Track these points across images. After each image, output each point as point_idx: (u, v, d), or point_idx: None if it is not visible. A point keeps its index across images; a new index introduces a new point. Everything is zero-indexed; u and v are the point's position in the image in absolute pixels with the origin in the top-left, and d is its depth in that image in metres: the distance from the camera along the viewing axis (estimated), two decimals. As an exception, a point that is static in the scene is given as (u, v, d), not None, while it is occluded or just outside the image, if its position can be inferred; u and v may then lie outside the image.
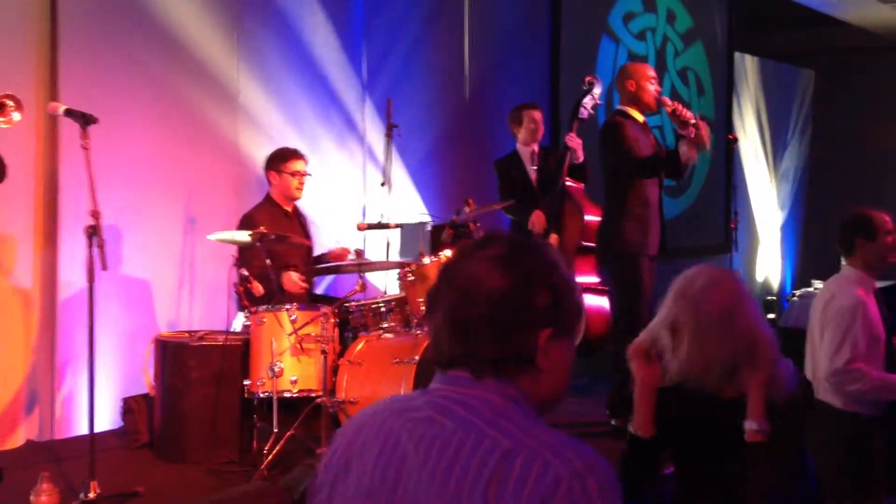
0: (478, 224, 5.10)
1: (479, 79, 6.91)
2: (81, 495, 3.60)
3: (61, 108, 3.73)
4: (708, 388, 2.48)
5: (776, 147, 10.76)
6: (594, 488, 1.32)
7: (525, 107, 5.65)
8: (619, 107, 5.03)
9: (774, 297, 10.18)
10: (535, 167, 5.52)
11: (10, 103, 3.69)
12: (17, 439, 4.59)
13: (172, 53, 5.14)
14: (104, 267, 3.61)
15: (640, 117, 4.94)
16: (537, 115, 5.61)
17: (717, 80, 9.40)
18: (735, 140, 7.53)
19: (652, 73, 5.01)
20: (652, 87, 4.91)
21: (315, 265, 4.98)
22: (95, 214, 3.60)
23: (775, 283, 10.72)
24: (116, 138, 4.71)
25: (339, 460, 1.50)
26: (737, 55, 9.85)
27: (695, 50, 9.08)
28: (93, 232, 3.60)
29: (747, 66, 10.29)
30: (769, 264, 10.64)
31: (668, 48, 8.69)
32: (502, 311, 1.42)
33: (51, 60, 4.67)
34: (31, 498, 3.58)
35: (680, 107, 4.72)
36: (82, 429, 4.54)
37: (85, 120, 3.65)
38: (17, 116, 3.71)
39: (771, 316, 9.27)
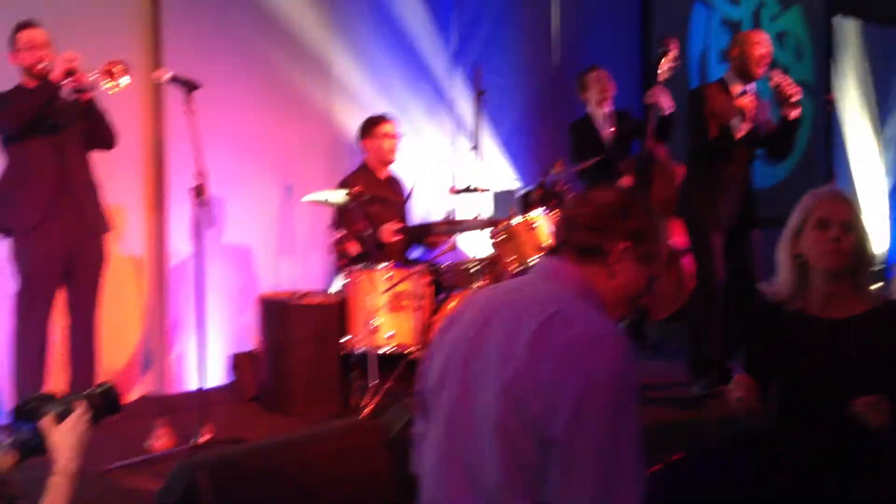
0: (567, 185, 5.16)
1: (568, 44, 6.94)
2: (193, 440, 3.82)
3: (167, 76, 3.95)
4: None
5: (882, 113, 10.41)
6: (596, 358, 1.70)
7: (587, 70, 5.64)
8: (723, 75, 4.72)
9: (881, 267, 9.88)
10: (612, 129, 5.50)
11: (117, 69, 3.92)
12: (134, 395, 4.89)
13: (269, 26, 5.36)
14: (210, 224, 3.82)
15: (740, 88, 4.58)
16: (600, 74, 5.58)
17: (816, 45, 9.17)
18: (832, 102, 7.31)
19: (761, 39, 4.58)
20: (757, 54, 4.49)
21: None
22: (200, 174, 3.81)
23: (880, 252, 10.40)
24: (216, 109, 4.92)
25: (447, 322, 1.97)
26: (838, 18, 9.57)
27: (792, 13, 8.88)
28: (198, 191, 3.81)
29: (849, 30, 9.98)
30: (873, 233, 10.32)
31: (763, 12, 8.52)
32: (601, 215, 1.88)
33: (154, 31, 4.94)
34: (148, 443, 3.86)
35: (786, 82, 4.35)
36: (193, 385, 4.80)
37: (189, 86, 3.86)
38: (125, 80, 3.94)
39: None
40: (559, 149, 6.43)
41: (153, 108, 4.93)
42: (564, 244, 1.91)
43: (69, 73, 3.93)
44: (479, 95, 5.73)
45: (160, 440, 3.87)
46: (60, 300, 4.23)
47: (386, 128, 5.01)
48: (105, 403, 2.13)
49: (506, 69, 6.54)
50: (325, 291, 4.80)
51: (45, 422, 1.99)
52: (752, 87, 4.54)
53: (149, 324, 5.04)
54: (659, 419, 4.19)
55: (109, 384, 2.16)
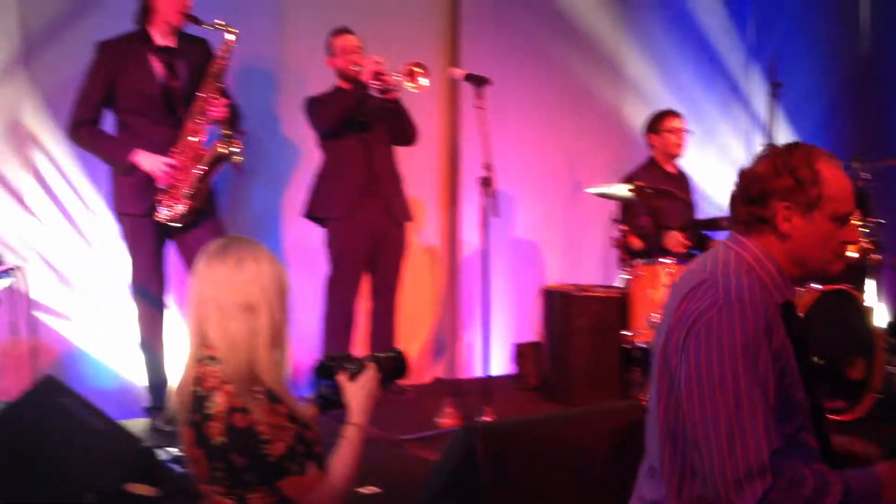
0: (869, 181, 4.81)
1: (879, 32, 6.46)
2: (476, 419, 4.04)
3: (461, 74, 4.20)
4: None
5: None
6: (720, 327, 1.79)
7: None
8: None
9: None
10: None
11: (418, 70, 4.22)
12: (427, 377, 5.23)
13: (562, 27, 5.51)
14: (496, 214, 4.01)
15: None
16: None
17: None
18: None
19: None
20: None
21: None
22: (488, 166, 4.02)
23: None
24: (507, 106, 5.14)
25: None
26: None
27: None
28: (486, 183, 4.02)
29: None
30: None
31: None
32: (750, 185, 1.96)
33: (452, 34, 5.25)
34: (437, 419, 4.16)
35: None
36: (479, 371, 5.05)
37: (479, 82, 4.09)
38: (424, 82, 4.23)
39: None
40: (867, 144, 6.02)
41: (449, 106, 5.26)
42: (732, 221, 2.01)
43: (377, 75, 4.28)
44: (775, 88, 5.49)
45: (447, 418, 4.16)
46: (365, 284, 4.62)
47: (673, 122, 4.97)
48: (393, 367, 2.34)
49: (807, 61, 6.21)
50: (607, 285, 4.84)
51: (341, 378, 2.23)
52: None
53: (442, 311, 5.36)
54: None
55: (399, 350, 2.37)
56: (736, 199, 2.00)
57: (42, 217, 4.43)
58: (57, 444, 2.86)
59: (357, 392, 2.22)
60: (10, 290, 3.20)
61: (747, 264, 1.93)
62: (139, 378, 4.21)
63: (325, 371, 2.27)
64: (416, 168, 4.93)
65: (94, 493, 2.77)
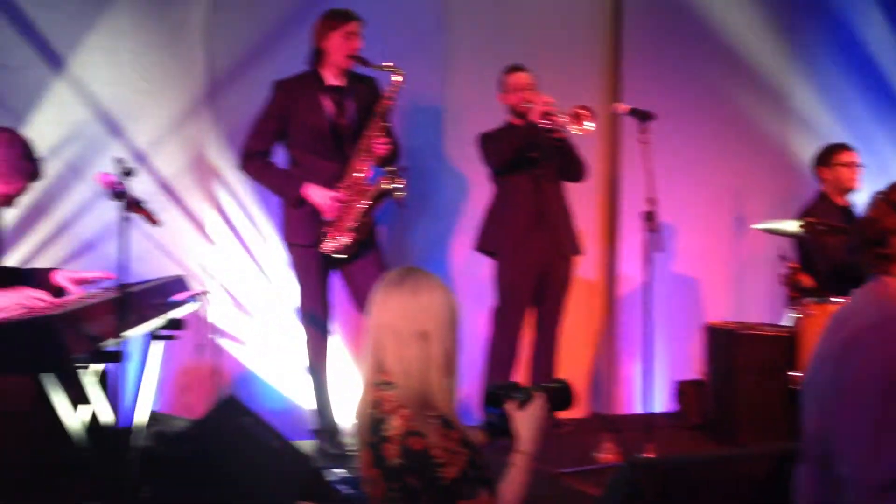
0: None
1: None
2: (636, 455, 3.99)
3: (626, 109, 4.21)
4: None
5: None
6: (861, 358, 1.93)
7: None
8: None
9: None
10: None
11: (584, 114, 4.25)
12: (583, 411, 5.20)
13: (726, 59, 5.43)
14: (660, 248, 3.98)
15: None
16: None
17: None
18: None
19: None
20: None
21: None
22: (652, 200, 3.99)
23: None
24: (670, 139, 5.09)
25: None
26: None
27: None
28: (649, 217, 4.00)
29: None
30: None
31: None
32: (868, 230, 2.10)
33: (614, 68, 5.27)
34: (595, 454, 4.13)
35: None
36: (638, 407, 4.99)
37: (644, 116, 4.08)
38: (590, 125, 4.25)
39: None
40: None
41: (610, 140, 5.25)
42: (864, 267, 2.13)
43: (545, 115, 4.33)
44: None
45: (606, 453, 4.12)
46: (530, 316, 4.66)
47: (845, 157, 4.78)
48: (560, 398, 2.36)
49: None
50: (774, 323, 4.70)
51: (509, 407, 2.27)
52: None
53: (599, 345, 5.33)
54: None
55: (565, 381, 2.39)
56: (859, 246, 2.13)
57: (221, 246, 4.71)
58: (236, 461, 3.02)
59: (526, 420, 2.25)
60: (195, 315, 3.43)
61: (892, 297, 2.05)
62: (305, 401, 4.38)
63: (494, 399, 2.32)
64: (575, 201, 4.94)
65: (271, 509, 2.91)
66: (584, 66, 5.25)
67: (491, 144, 4.53)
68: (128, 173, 2.84)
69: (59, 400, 2.78)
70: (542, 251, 4.54)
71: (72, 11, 4.42)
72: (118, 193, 2.87)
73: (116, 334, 2.69)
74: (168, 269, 4.31)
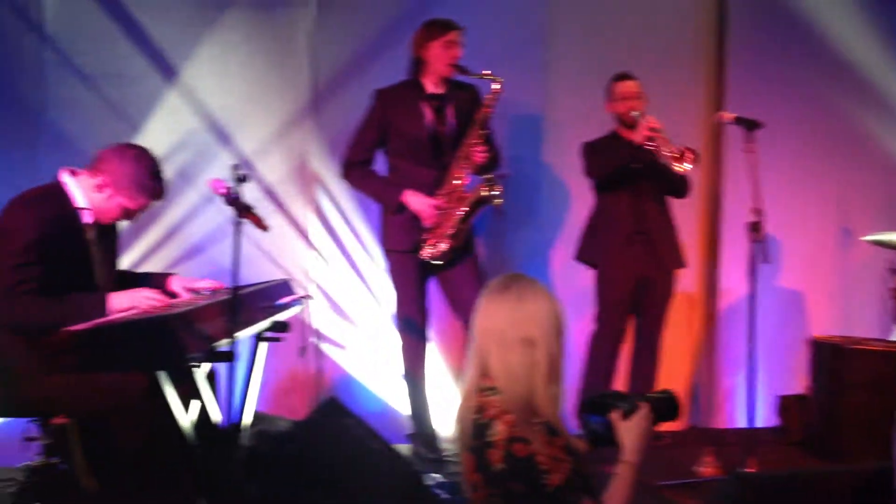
0: None
1: None
2: (738, 469, 3.91)
3: (731, 117, 4.13)
4: None
5: None
6: None
7: None
8: None
9: None
10: None
11: (687, 155, 4.15)
12: (682, 423, 5.11)
13: (832, 67, 5.25)
14: (766, 260, 3.89)
15: None
16: None
17: None
18: None
19: None
20: None
21: None
22: (758, 211, 3.91)
23: None
24: (774, 150, 4.98)
25: None
26: None
27: None
28: (754, 228, 3.92)
29: None
30: None
31: None
32: None
33: (718, 74, 5.18)
34: (695, 468, 4.07)
35: None
36: (738, 421, 4.89)
37: (751, 125, 4.00)
38: (687, 167, 4.17)
39: None
40: None
41: (713, 149, 5.16)
42: None
43: (650, 139, 4.24)
44: None
45: (707, 467, 4.06)
46: (630, 326, 4.62)
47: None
48: (666, 409, 2.33)
49: None
50: (882, 339, 4.54)
51: (614, 416, 2.26)
52: None
53: (699, 358, 5.24)
54: None
55: (671, 392, 2.37)
56: None
57: (322, 252, 4.81)
58: (338, 462, 3.08)
59: (630, 430, 2.24)
60: (298, 318, 3.51)
61: None
62: (402, 406, 4.43)
63: (597, 408, 2.31)
64: (676, 212, 4.88)
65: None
66: (687, 74, 5.17)
67: (593, 155, 4.50)
68: (242, 180, 2.93)
69: (172, 397, 2.88)
70: (642, 264, 4.49)
71: (184, 25, 4.59)
72: (231, 199, 2.96)
73: (229, 335, 2.78)
74: (270, 274, 4.44)
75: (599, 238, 4.56)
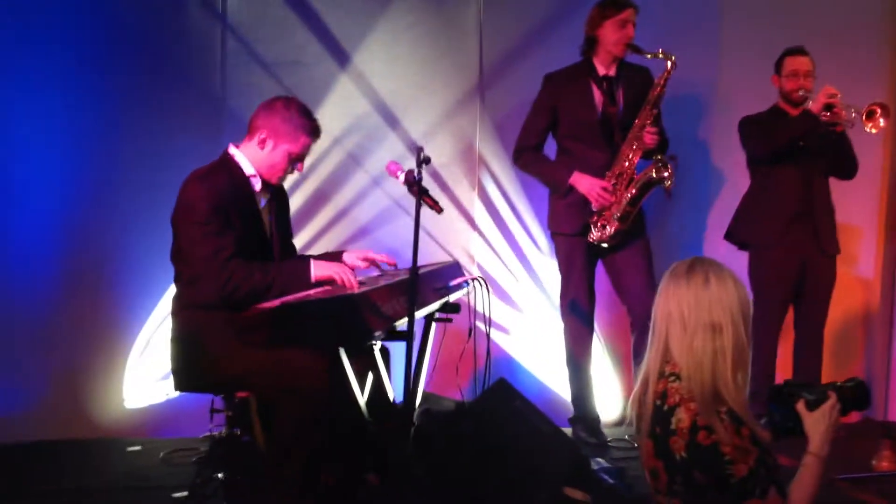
0: None
1: None
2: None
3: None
4: None
5: None
6: None
7: None
8: None
9: None
10: None
11: (878, 111, 3.96)
12: (856, 415, 4.89)
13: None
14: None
15: None
16: None
17: None
18: None
19: None
20: None
21: None
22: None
23: None
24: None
25: None
26: None
27: None
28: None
29: None
30: None
31: None
32: None
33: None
34: (874, 462, 3.94)
35: None
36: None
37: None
38: (882, 123, 3.97)
39: None
40: None
41: (892, 134, 4.89)
42: None
43: (828, 107, 4.07)
44: None
45: (885, 461, 3.89)
46: (789, 314, 4.45)
47: None
48: (855, 398, 2.25)
49: None
50: None
51: (800, 406, 2.20)
52: None
53: (873, 347, 5.00)
54: None
55: (860, 380, 2.27)
56: None
57: (487, 234, 4.86)
58: (508, 442, 3.12)
59: (818, 421, 2.18)
60: (465, 300, 3.55)
61: None
62: (565, 390, 4.44)
63: (782, 398, 2.25)
64: (852, 198, 4.66)
65: (543, 491, 2.99)
66: (865, 54, 4.90)
67: (755, 130, 4.32)
68: (426, 162, 2.97)
69: (351, 375, 2.98)
70: (803, 246, 4.29)
71: (356, 12, 4.71)
72: (412, 182, 3.01)
73: (407, 315, 2.85)
74: (435, 255, 4.53)
75: (757, 218, 4.37)
